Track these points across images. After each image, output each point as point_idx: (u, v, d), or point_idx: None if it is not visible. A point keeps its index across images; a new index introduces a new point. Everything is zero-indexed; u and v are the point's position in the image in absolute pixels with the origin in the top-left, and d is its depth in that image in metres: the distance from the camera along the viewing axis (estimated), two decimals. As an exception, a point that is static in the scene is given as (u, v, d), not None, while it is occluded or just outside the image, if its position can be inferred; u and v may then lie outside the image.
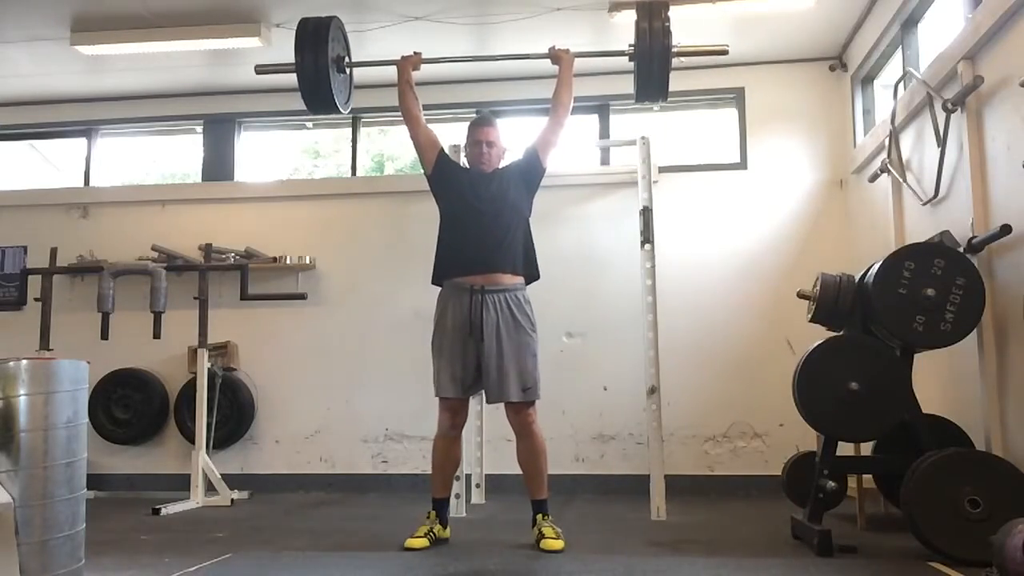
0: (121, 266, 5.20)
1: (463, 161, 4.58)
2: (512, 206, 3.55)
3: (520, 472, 3.58)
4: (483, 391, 3.55)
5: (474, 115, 5.59)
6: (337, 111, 3.79)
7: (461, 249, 3.52)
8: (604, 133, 5.76)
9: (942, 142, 3.66)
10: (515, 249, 3.52)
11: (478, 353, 3.44)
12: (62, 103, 6.22)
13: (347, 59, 3.85)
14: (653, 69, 3.55)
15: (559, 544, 3.30)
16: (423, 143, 3.68)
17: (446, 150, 3.75)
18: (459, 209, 3.56)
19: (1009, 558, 2.39)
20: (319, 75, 3.60)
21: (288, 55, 5.29)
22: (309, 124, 6.34)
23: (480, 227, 3.49)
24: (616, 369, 5.28)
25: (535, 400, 3.50)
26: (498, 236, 3.48)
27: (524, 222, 3.60)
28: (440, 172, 3.64)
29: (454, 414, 3.53)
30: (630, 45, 3.61)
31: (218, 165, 6.15)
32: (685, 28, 5.03)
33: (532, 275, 3.61)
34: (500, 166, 3.68)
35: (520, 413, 3.48)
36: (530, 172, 3.63)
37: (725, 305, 5.31)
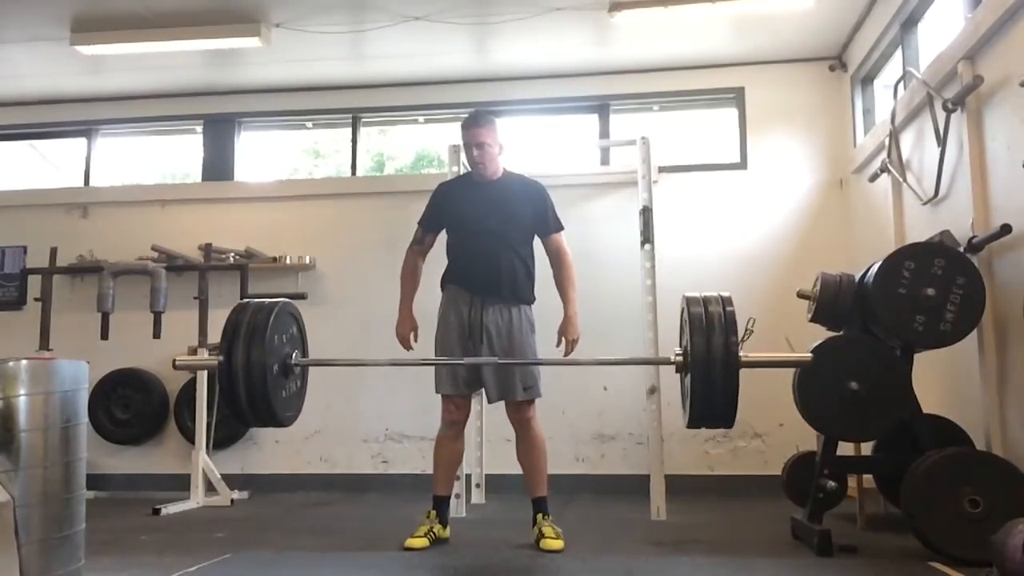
0: (121, 266, 5.18)
1: (462, 168, 4.59)
2: (513, 224, 3.56)
3: (520, 472, 3.59)
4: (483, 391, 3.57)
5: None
6: (279, 424, 2.79)
7: (462, 271, 3.57)
8: (604, 133, 5.75)
9: (942, 142, 3.66)
10: (513, 277, 3.52)
11: (478, 354, 3.46)
12: (62, 103, 6.21)
13: (297, 356, 2.85)
14: (714, 384, 2.66)
15: (559, 544, 3.30)
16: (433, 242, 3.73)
17: (435, 199, 3.71)
18: (459, 237, 3.62)
19: (1009, 558, 2.39)
20: (252, 383, 2.62)
21: (288, 55, 5.33)
22: (309, 124, 6.35)
23: (477, 255, 3.52)
24: (616, 369, 5.27)
25: (535, 398, 3.52)
26: (495, 264, 3.49)
27: (525, 246, 3.60)
28: (444, 218, 3.67)
29: (455, 411, 3.54)
30: (676, 354, 2.76)
31: (218, 165, 6.15)
32: (686, 28, 5.08)
33: (526, 299, 3.59)
34: (503, 168, 3.67)
35: (520, 410, 3.50)
36: (536, 221, 3.64)
37: (725, 305, 5.29)
